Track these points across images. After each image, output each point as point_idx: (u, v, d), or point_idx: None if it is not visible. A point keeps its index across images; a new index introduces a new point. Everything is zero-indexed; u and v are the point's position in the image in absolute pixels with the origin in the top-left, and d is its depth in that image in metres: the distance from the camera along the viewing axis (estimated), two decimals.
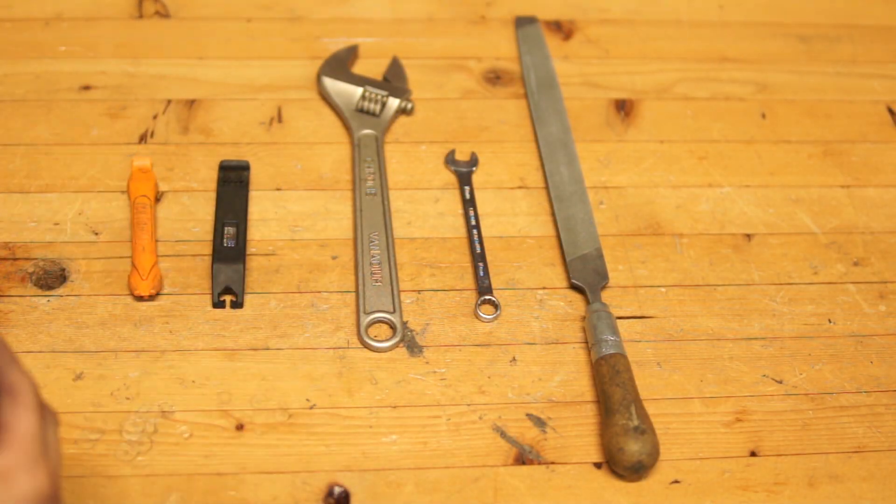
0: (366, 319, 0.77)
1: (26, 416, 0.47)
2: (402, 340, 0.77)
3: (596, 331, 0.77)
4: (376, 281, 0.79)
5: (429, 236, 0.84)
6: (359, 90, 0.91)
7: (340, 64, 0.94)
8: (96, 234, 0.82)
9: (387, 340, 0.77)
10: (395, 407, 0.74)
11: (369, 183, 0.86)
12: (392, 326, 0.78)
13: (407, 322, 0.79)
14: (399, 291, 0.79)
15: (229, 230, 0.81)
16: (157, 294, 0.78)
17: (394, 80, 0.93)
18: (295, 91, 0.93)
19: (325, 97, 0.92)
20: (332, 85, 0.92)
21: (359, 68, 0.96)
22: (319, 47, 0.98)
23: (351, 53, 0.95)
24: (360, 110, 0.91)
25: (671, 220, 0.88)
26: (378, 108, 0.90)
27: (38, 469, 0.45)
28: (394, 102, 0.91)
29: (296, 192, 0.86)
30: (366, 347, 0.76)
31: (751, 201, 0.90)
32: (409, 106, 0.91)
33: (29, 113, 0.90)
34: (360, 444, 0.72)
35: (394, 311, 0.78)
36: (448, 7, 1.03)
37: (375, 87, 0.92)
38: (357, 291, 0.79)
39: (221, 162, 0.86)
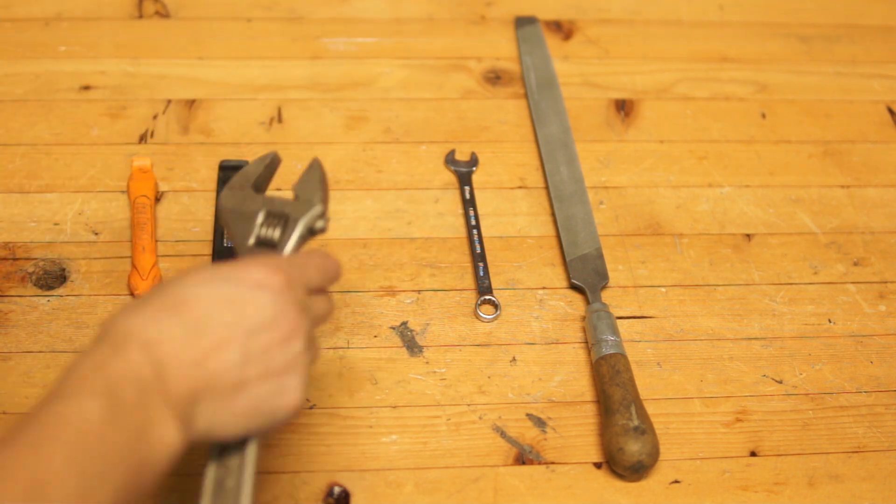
0: None
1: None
2: None
3: (596, 331, 0.77)
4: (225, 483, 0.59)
5: (429, 236, 0.84)
6: (259, 216, 0.65)
7: (244, 184, 0.67)
8: (96, 234, 0.82)
9: None
10: (395, 407, 0.74)
11: None
12: None
13: (407, 322, 0.79)
14: (251, 499, 0.59)
15: None
16: None
17: (303, 193, 0.66)
18: (295, 91, 0.93)
19: (222, 224, 0.68)
20: (229, 209, 0.66)
21: (349, 78, 0.95)
22: (319, 47, 0.98)
23: (264, 167, 0.68)
24: (259, 243, 0.64)
25: (671, 220, 0.88)
26: (276, 234, 0.64)
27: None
28: (298, 226, 0.64)
29: None
30: None
31: (751, 201, 0.90)
32: (320, 225, 0.66)
33: (29, 113, 0.90)
34: (360, 444, 0.72)
35: None
36: (448, 7, 1.03)
37: (278, 207, 0.65)
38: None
39: (221, 162, 0.87)
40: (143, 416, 0.51)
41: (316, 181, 0.67)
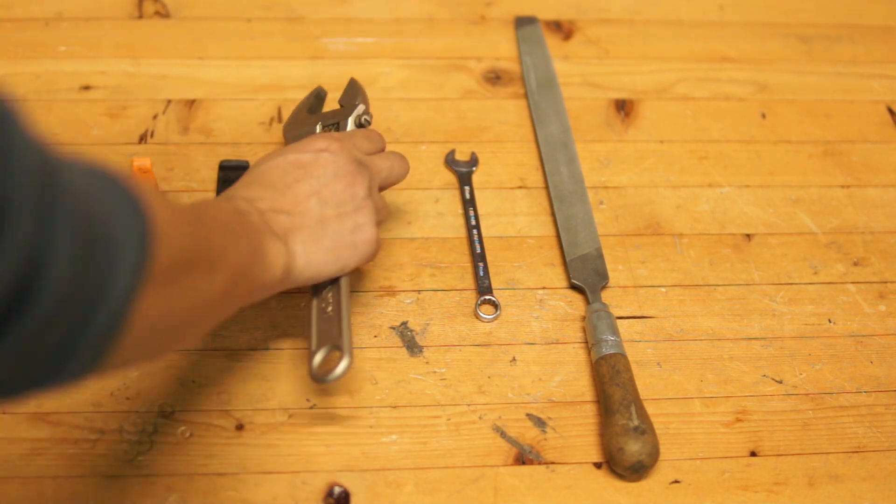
0: (315, 359, 0.70)
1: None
2: (349, 365, 0.69)
3: (596, 331, 0.77)
4: (325, 311, 0.72)
5: (429, 236, 0.84)
6: (317, 129, 0.83)
7: (300, 114, 0.86)
8: None
9: (334, 370, 0.68)
10: (395, 407, 0.74)
11: None
12: (340, 350, 0.70)
13: (407, 322, 0.79)
14: (348, 316, 0.71)
15: None
16: None
17: (347, 103, 0.84)
18: (295, 91, 0.93)
19: None
20: (294, 138, 0.83)
21: (349, 78, 0.96)
22: (319, 47, 0.98)
23: (312, 100, 0.87)
24: None
25: (671, 220, 0.88)
26: None
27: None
28: (347, 124, 0.82)
29: None
30: (320, 384, 0.71)
31: (751, 201, 0.90)
32: (365, 118, 0.82)
33: (29, 113, 0.89)
34: (360, 444, 0.72)
35: (340, 335, 0.70)
36: (448, 7, 1.03)
37: (329, 118, 0.83)
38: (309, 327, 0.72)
39: (221, 162, 0.87)
40: (258, 227, 0.65)
41: (356, 90, 0.84)
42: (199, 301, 0.57)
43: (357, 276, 0.81)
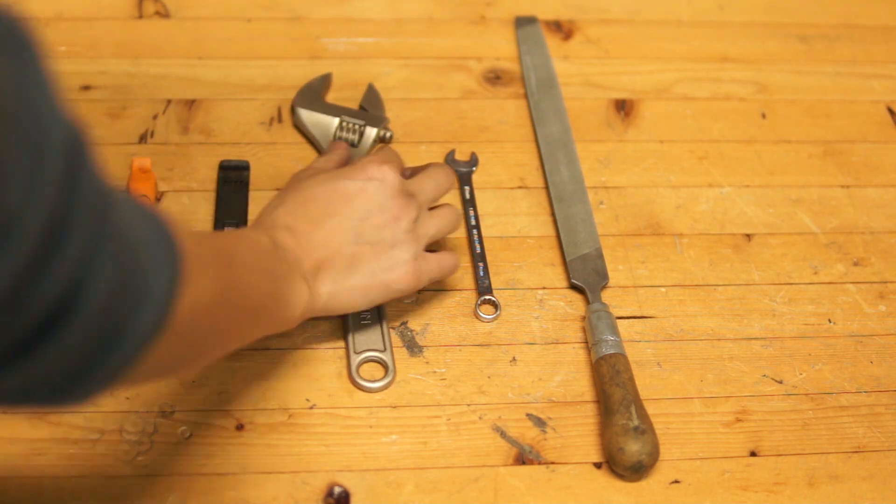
0: (356, 360, 0.75)
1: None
2: (392, 381, 0.75)
3: (596, 331, 0.77)
4: (364, 320, 0.77)
5: None
6: (335, 120, 0.88)
7: (315, 94, 0.91)
8: None
9: (380, 380, 0.75)
10: (395, 407, 0.74)
11: None
12: (384, 365, 0.76)
13: (407, 322, 0.79)
14: (388, 329, 0.77)
15: (230, 230, 0.81)
16: None
17: (370, 109, 0.91)
18: (295, 91, 0.93)
19: (300, 128, 0.90)
20: (308, 116, 0.89)
21: (349, 78, 0.96)
22: (319, 47, 0.98)
23: (325, 82, 0.92)
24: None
25: (671, 220, 0.88)
26: (356, 138, 0.87)
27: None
28: (371, 132, 0.87)
29: None
30: (359, 389, 0.75)
31: (751, 201, 0.90)
32: (388, 134, 0.88)
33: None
34: (360, 444, 0.72)
35: (384, 350, 0.76)
36: (448, 7, 1.03)
37: (352, 116, 0.88)
38: (345, 332, 0.77)
39: (221, 162, 0.87)
40: (288, 266, 0.66)
41: (378, 100, 0.91)
42: (213, 339, 0.58)
43: None
